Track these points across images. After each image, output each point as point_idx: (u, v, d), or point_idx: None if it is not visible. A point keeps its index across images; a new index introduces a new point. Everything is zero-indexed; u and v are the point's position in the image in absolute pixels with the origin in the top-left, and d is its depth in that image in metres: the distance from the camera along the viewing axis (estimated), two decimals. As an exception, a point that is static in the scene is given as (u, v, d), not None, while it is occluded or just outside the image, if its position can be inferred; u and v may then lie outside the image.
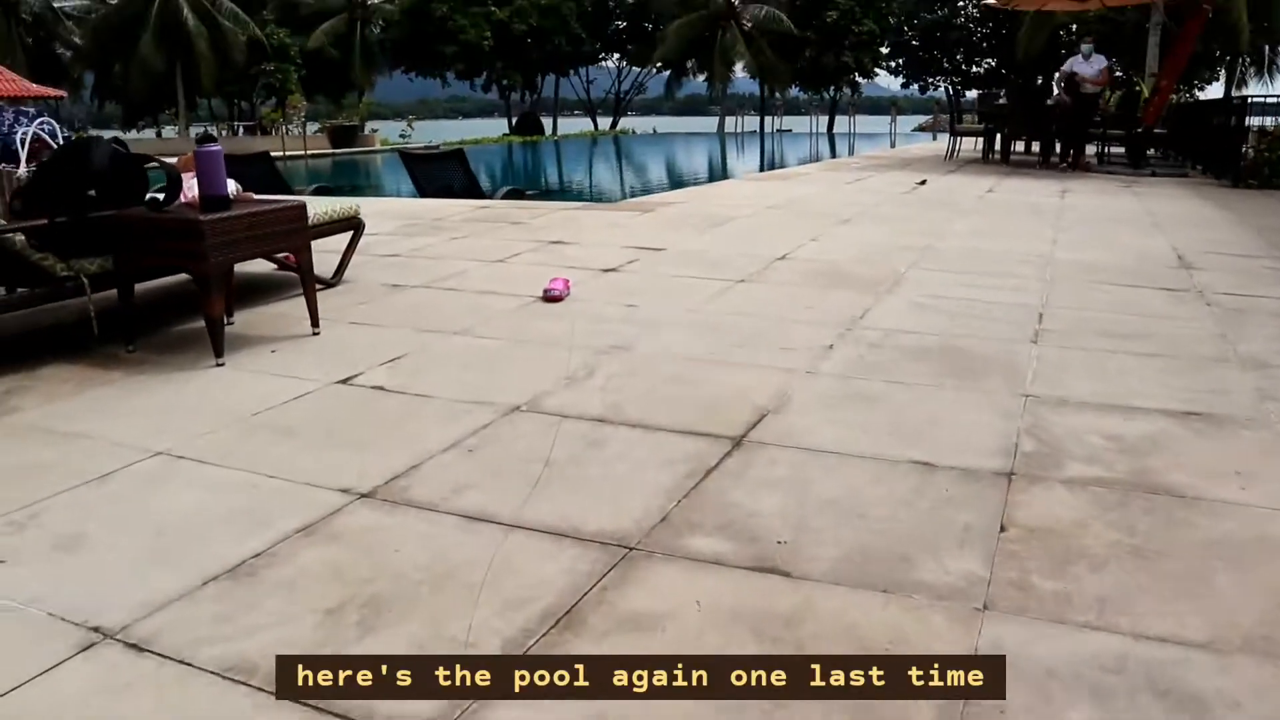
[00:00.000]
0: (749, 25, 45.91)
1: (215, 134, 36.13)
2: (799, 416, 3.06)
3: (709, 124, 51.72)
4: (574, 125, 57.80)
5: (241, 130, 37.46)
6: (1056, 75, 16.05)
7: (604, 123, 55.67)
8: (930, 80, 49.18)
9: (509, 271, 5.70)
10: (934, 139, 30.57)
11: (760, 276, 5.41)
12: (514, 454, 2.75)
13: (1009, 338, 4.02)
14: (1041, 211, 8.39)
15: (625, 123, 55.43)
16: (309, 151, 25.70)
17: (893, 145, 29.89)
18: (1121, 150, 14.70)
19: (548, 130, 52.04)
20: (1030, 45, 30.31)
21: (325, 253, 5.14)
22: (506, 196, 10.94)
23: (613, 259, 5.95)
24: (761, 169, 19.73)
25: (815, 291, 5.00)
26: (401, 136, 35.43)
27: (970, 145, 18.38)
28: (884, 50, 49.07)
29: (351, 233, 5.58)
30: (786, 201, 9.03)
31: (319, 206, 5.24)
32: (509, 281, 5.33)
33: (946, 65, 47.99)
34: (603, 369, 3.60)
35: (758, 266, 5.68)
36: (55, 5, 44.27)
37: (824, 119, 49.03)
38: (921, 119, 76.10)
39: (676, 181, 16.73)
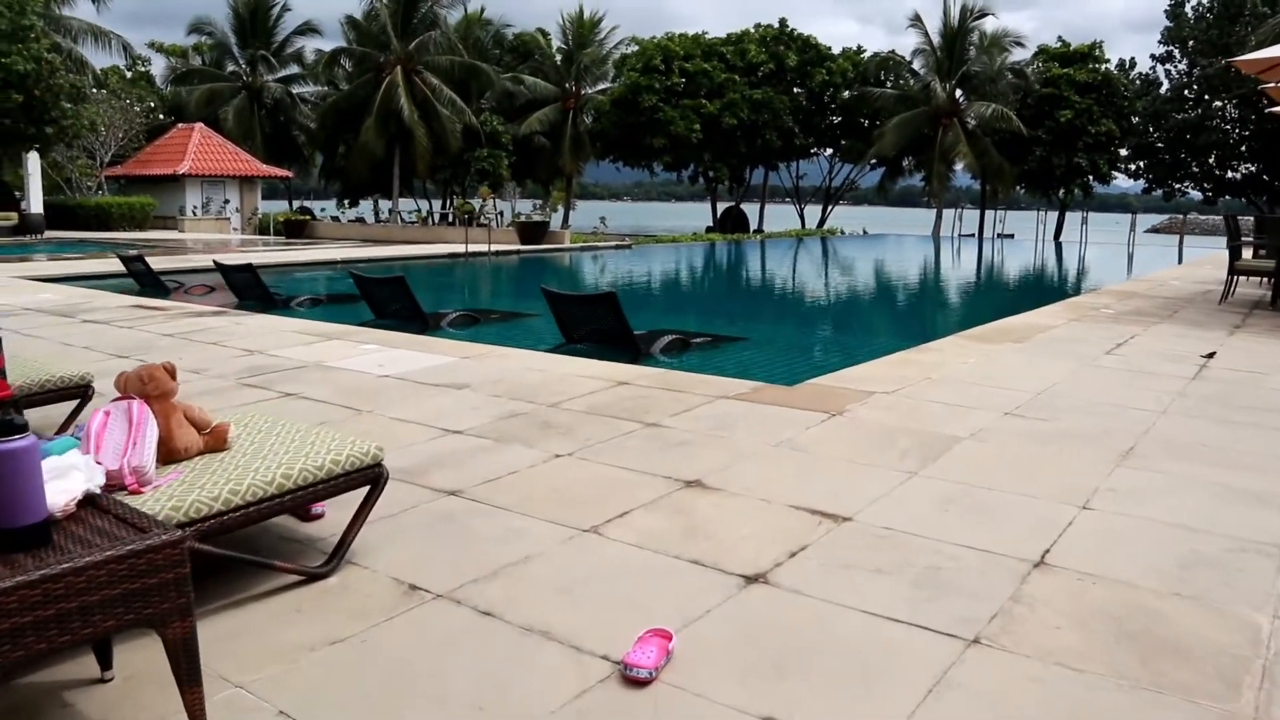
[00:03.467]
0: (973, 123, 43.08)
1: (411, 220, 36.35)
2: None
3: (923, 219, 48.81)
4: (782, 214, 56.06)
5: (437, 218, 37.55)
6: None
7: (813, 212, 53.61)
8: (1178, 186, 44.66)
9: (599, 560, 3.66)
10: (1180, 260, 26.92)
11: (1009, 627, 3.15)
12: None
13: None
14: None
15: (835, 215, 53.17)
16: (492, 248, 24.69)
17: (1129, 261, 26.43)
18: None
19: (753, 222, 50.51)
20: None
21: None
22: (653, 347, 8.97)
23: (766, 545, 3.82)
24: (984, 310, 17.10)
25: (1114, 689, 2.71)
26: (593, 232, 34.46)
27: (1251, 281, 15.36)
28: (1123, 152, 45.13)
29: (368, 488, 3.69)
30: (1027, 399, 6.62)
31: (310, 459, 3.37)
32: (589, 594, 3.31)
33: (1196, 170, 43.48)
34: None
35: (1002, 591, 3.42)
36: (294, 91, 46.67)
37: (1049, 217, 45.31)
38: (1156, 219, 70.69)
39: (881, 329, 14.15)
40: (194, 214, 37.97)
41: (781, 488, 4.52)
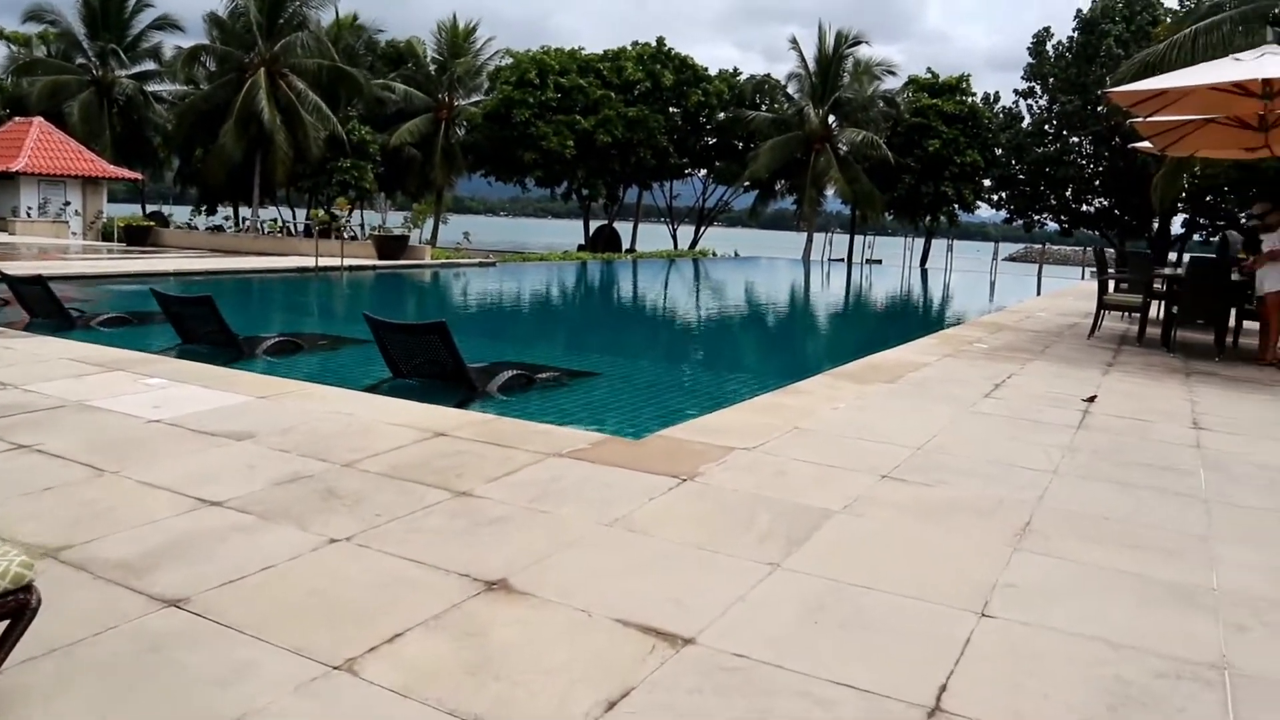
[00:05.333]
0: (845, 149, 43.34)
1: (267, 229, 34.47)
2: None
3: (794, 242, 48.85)
4: (655, 233, 55.61)
5: (301, 229, 35.66)
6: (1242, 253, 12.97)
7: (686, 232, 53.26)
8: (1036, 217, 45.88)
9: (336, 726, 2.62)
10: (1039, 290, 27.29)
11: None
12: None
13: None
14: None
15: (708, 236, 52.93)
16: (345, 263, 23.21)
17: (991, 290, 26.56)
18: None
19: (626, 241, 49.84)
20: (1169, 192, 26.95)
21: None
22: (493, 376, 7.94)
23: (577, 688, 2.82)
24: (855, 341, 16.60)
25: None
26: (456, 248, 33.15)
27: (1114, 314, 15.23)
28: (986, 183, 46.17)
29: (6, 623, 2.57)
30: (906, 456, 5.82)
31: None
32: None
33: (1054, 202, 44.73)
34: None
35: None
36: (150, 89, 43.99)
37: (917, 243, 45.99)
38: (1013, 248, 72.85)
39: (748, 364, 13.26)
40: (28, 215, 35.08)
41: (609, 590, 3.55)
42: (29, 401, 6.27)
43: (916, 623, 3.40)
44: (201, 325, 9.59)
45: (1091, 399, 8.21)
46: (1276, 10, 18.76)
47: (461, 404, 7.66)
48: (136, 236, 32.63)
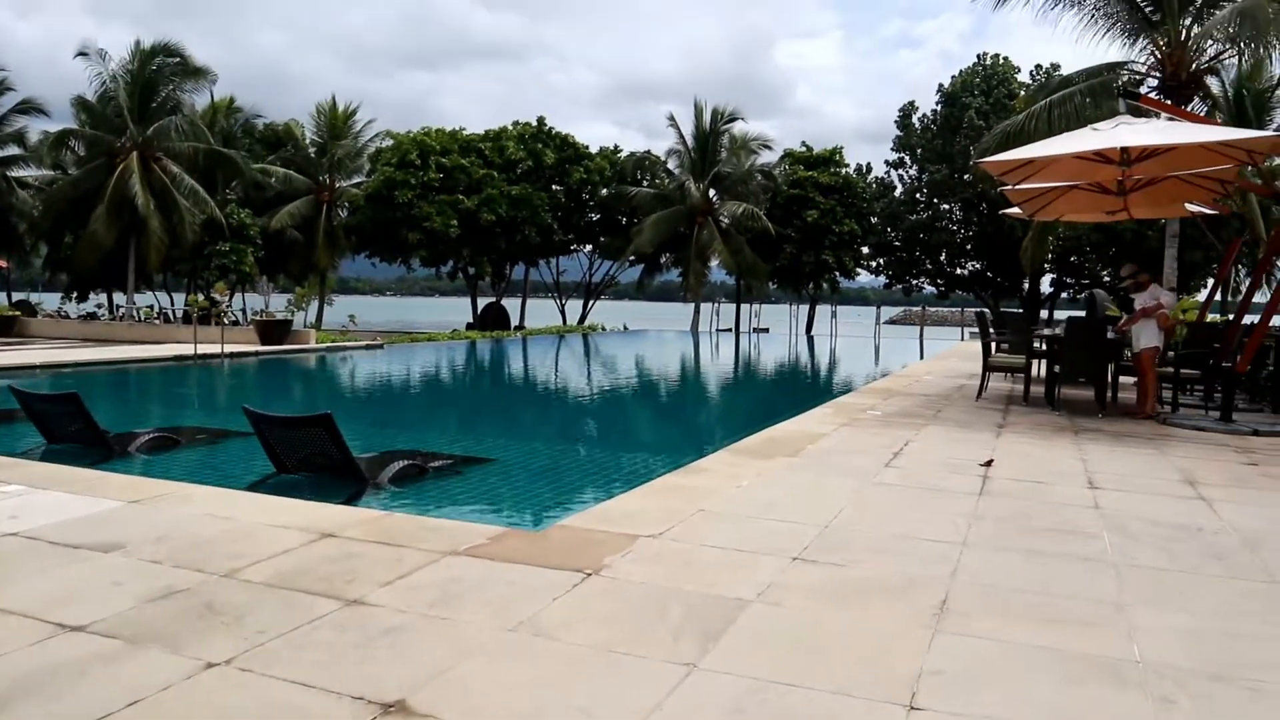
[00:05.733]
0: (726, 222, 44.14)
1: (143, 316, 33.22)
2: None
3: (682, 313, 49.34)
4: (544, 309, 55.52)
5: (179, 315, 34.42)
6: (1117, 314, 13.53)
7: (574, 307, 53.32)
8: (914, 281, 47.37)
9: None
10: (921, 353, 28.04)
11: None
12: None
13: None
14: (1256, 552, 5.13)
15: (596, 310, 53.07)
16: (226, 349, 22.42)
17: (877, 354, 27.10)
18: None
19: (515, 318, 49.60)
20: (1038, 254, 28.15)
21: None
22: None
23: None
24: (750, 414, 16.65)
25: None
26: (342, 330, 32.45)
27: (997, 375, 15.60)
28: (865, 250, 47.55)
29: None
30: (815, 535, 5.70)
31: None
32: None
33: (930, 266, 46.31)
34: None
35: None
36: (15, 174, 42.33)
37: (802, 310, 46.95)
38: (893, 310, 75.03)
39: (645, 442, 13.09)
40: (-123, 308, 33.16)
41: (515, 705, 3.28)
42: None
43: (845, 721, 3.23)
44: (67, 424, 8.99)
45: (989, 463, 8.27)
46: (1117, 84, 19.94)
47: (351, 498, 7.30)
48: (1, 327, 31.04)
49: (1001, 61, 43.68)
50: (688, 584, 4.63)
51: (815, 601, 4.46)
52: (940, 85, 44.64)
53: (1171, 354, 12.85)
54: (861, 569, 4.97)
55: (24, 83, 47.25)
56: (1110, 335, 12.38)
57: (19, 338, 29.79)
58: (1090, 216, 17.45)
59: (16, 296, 42.25)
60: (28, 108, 42.04)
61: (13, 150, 42.60)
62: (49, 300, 40.92)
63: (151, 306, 38.04)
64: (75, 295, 44.03)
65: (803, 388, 21.89)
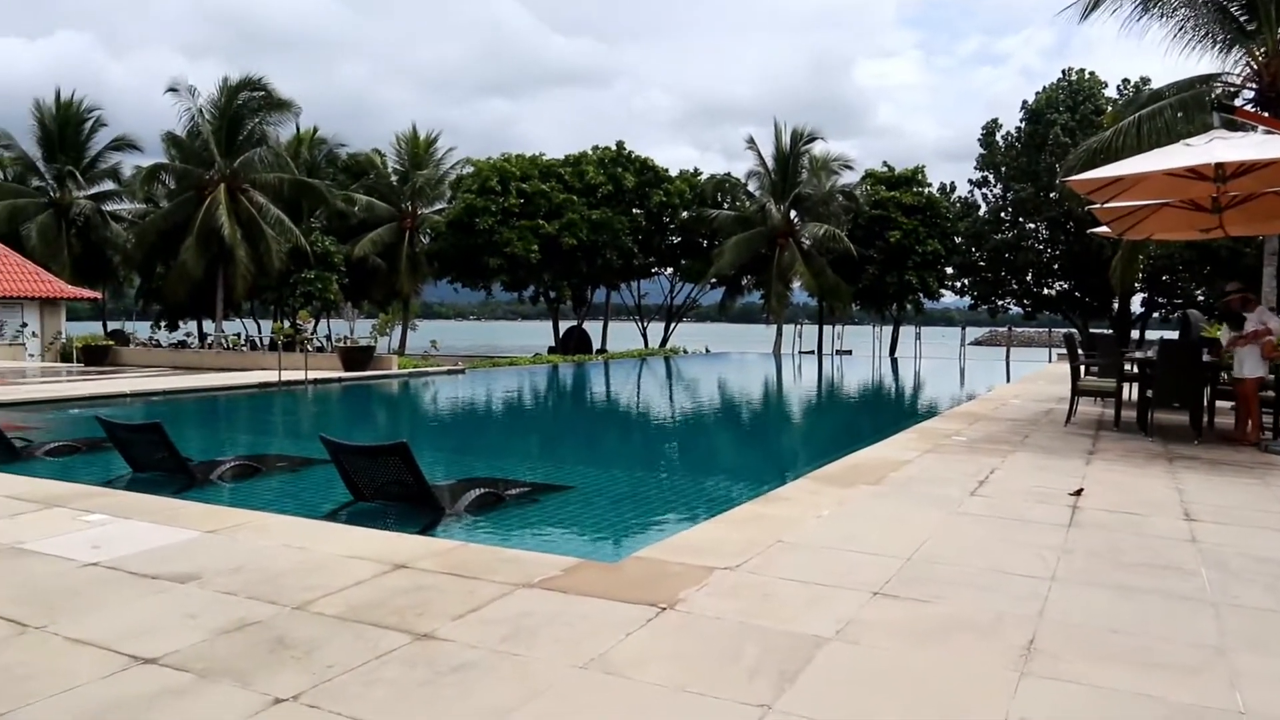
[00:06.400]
0: (808, 243, 43.82)
1: (230, 344, 34.09)
2: None
3: (764, 335, 48.96)
4: (625, 332, 55.67)
5: (266, 343, 35.23)
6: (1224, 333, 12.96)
7: (655, 329, 53.38)
8: (1000, 302, 46.37)
9: None
10: (1008, 376, 27.38)
11: None
12: None
13: None
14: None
15: (678, 333, 53.01)
16: (310, 376, 22.85)
17: (962, 376, 26.47)
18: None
19: (597, 341, 49.83)
20: (1128, 273, 27.29)
21: None
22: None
23: None
24: (833, 439, 16.35)
25: None
26: (424, 356, 32.87)
27: (1087, 399, 15.11)
28: (949, 270, 46.77)
29: None
30: (897, 568, 5.51)
31: None
32: None
33: (1015, 286, 45.29)
34: None
35: None
36: (110, 208, 43.98)
37: (885, 332, 46.26)
38: (978, 331, 73.56)
39: (725, 467, 12.94)
40: (-17, 338, 34.58)
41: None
42: (-42, 548, 5.86)
43: (927, 772, 3.07)
44: (151, 453, 9.18)
45: (1078, 493, 7.97)
46: (1210, 97, 19.24)
47: (428, 527, 7.31)
48: (95, 356, 32.11)
49: (1087, 76, 42.67)
50: (764, 620, 4.50)
51: (896, 639, 4.29)
52: (1024, 102, 43.80)
53: (1273, 377, 12.28)
54: (944, 605, 4.79)
55: (118, 120, 48.95)
56: (1206, 358, 11.88)
57: (112, 366, 30.78)
58: (1183, 235, 16.88)
59: (111, 326, 43.74)
60: (121, 144, 43.74)
61: (108, 185, 44.32)
62: (141, 329, 42.25)
63: (239, 334, 39.06)
64: (166, 324, 45.46)
65: (886, 412, 21.50)
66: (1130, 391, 13.93)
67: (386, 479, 7.60)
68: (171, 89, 38.76)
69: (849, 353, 43.98)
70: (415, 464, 7.36)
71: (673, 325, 53.10)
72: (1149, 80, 38.53)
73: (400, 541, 6.11)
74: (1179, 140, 11.89)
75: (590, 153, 46.71)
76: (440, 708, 3.50)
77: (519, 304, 53.14)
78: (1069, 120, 41.04)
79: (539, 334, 61.22)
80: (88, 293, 40.36)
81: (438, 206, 47.28)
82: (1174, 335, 15.19)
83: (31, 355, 35.43)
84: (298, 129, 44.17)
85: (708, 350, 45.45)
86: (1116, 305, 42.45)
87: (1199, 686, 3.82)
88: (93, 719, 3.41)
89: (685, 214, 46.55)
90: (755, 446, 15.70)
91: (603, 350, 47.78)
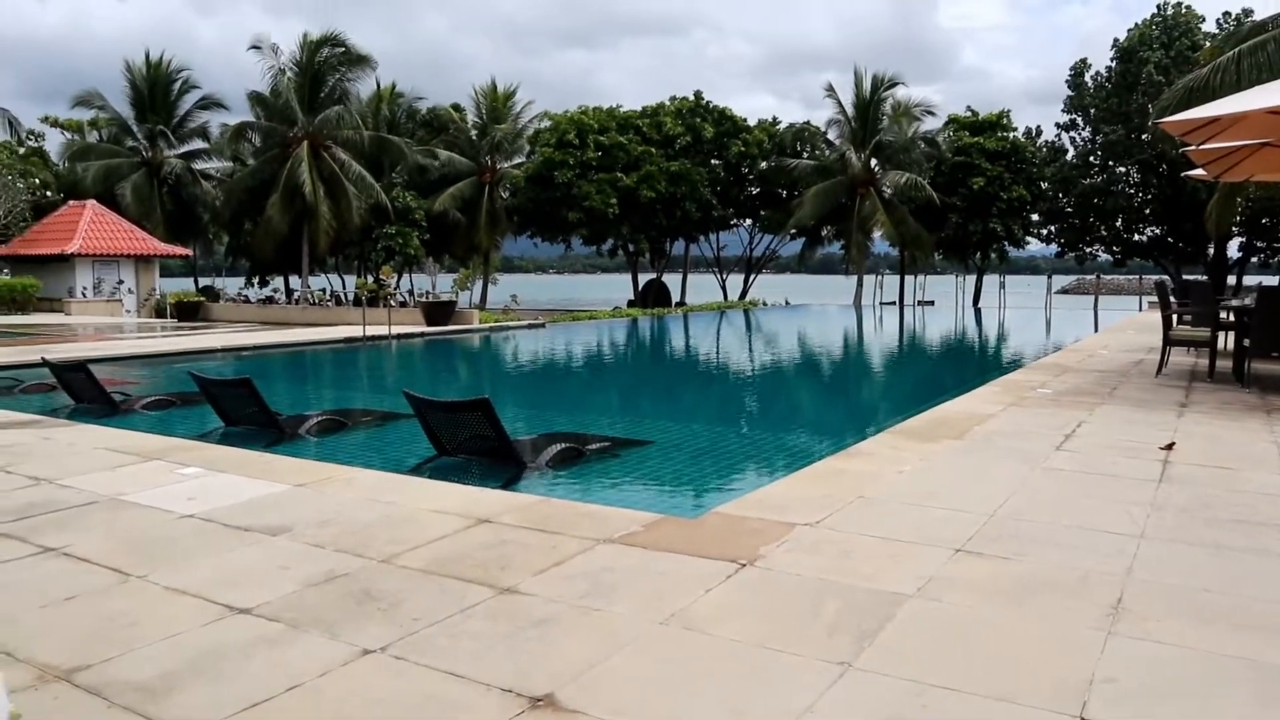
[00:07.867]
0: (889, 192, 43.05)
1: (316, 300, 34.79)
2: None
3: (844, 286, 48.43)
4: (705, 284, 55.53)
5: (351, 298, 35.89)
6: None
7: (735, 281, 53.12)
8: (1088, 250, 44.96)
9: None
10: (1096, 326, 26.64)
11: None
12: None
13: None
14: None
15: (758, 285, 52.71)
16: (393, 331, 23.26)
17: (1048, 326, 25.82)
18: None
19: (676, 294, 49.76)
20: (1224, 217, 26.27)
21: None
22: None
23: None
24: (914, 392, 16.12)
25: None
26: (505, 310, 33.19)
27: (1179, 349, 14.64)
28: (1035, 217, 45.54)
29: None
30: (980, 525, 5.45)
31: None
32: None
33: (1105, 233, 43.84)
34: None
35: None
36: (199, 166, 45.01)
37: (968, 281, 45.34)
38: (1065, 280, 71.60)
39: (806, 422, 12.86)
40: (84, 295, 35.88)
41: (664, 704, 3.23)
42: (60, 498, 6.12)
43: (1009, 733, 3.05)
44: (242, 407, 9.46)
45: (1169, 446, 7.76)
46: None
47: (510, 482, 7.42)
48: (187, 312, 33.11)
49: (1184, 10, 40.74)
50: (844, 577, 4.49)
51: (978, 597, 4.25)
52: (1115, 40, 42.01)
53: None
54: (1028, 563, 4.72)
55: (205, 79, 50.04)
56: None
57: (204, 321, 31.72)
58: (1284, 175, 16.17)
59: (202, 282, 44.96)
60: (209, 103, 44.62)
61: (197, 144, 45.31)
62: (231, 285, 43.36)
63: (324, 289, 39.86)
64: (255, 280, 46.57)
65: (969, 364, 21.16)
66: (1226, 341, 13.47)
67: (469, 434, 7.72)
68: (254, 46, 39.43)
69: (931, 303, 43.28)
70: (497, 419, 7.47)
71: (752, 277, 52.76)
72: (1251, 12, 36.75)
73: (483, 496, 6.23)
74: (1282, 77, 11.35)
75: (668, 104, 46.37)
76: (523, 661, 3.57)
77: (598, 257, 53.24)
78: (1163, 58, 39.34)
79: (618, 287, 61.38)
80: (180, 250, 41.57)
81: (516, 160, 47.43)
82: (1275, 281, 14.58)
83: (128, 311, 36.70)
84: (377, 85, 44.57)
85: (787, 302, 45.11)
86: (1212, 250, 40.94)
87: (1295, 649, 3.71)
88: (193, 665, 3.55)
89: (764, 164, 46.04)
90: (835, 400, 15.59)
91: (682, 303, 47.72)
